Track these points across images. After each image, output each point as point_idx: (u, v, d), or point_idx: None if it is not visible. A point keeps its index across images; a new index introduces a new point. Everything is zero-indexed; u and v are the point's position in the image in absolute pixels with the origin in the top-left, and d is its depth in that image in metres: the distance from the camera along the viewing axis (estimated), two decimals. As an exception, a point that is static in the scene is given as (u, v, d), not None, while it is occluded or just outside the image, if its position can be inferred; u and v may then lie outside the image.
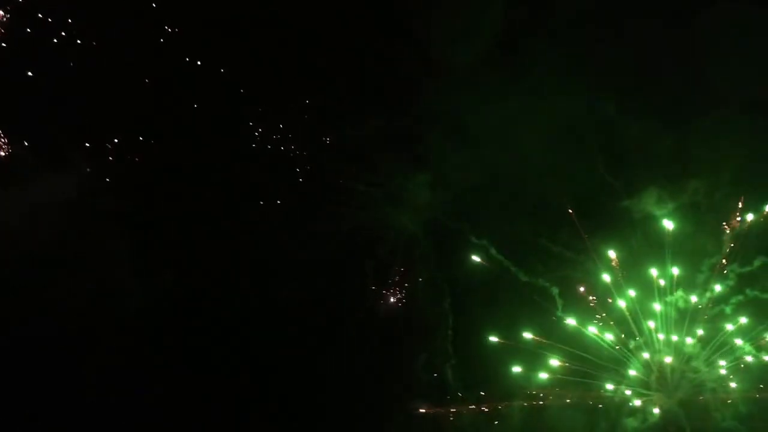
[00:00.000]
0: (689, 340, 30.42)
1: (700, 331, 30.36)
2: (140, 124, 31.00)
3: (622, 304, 30.56)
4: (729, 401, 29.49)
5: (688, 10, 31.25)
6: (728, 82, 29.54)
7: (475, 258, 31.11)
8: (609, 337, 30.77)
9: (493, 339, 30.59)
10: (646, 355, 30.80)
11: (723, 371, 29.99)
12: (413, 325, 31.87)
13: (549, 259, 31.22)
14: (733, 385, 29.82)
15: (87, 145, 30.86)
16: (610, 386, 30.57)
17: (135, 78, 30.67)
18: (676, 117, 30.95)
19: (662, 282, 30.31)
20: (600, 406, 30.49)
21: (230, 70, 31.33)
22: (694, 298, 30.25)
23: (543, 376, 30.41)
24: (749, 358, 29.72)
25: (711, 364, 30.17)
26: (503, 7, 30.60)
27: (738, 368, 29.84)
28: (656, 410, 30.09)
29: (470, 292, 31.62)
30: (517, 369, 30.36)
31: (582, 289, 30.93)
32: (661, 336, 30.64)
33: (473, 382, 31.54)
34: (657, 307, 30.48)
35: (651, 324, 30.62)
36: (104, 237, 30.30)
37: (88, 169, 30.93)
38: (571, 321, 30.44)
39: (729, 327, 29.96)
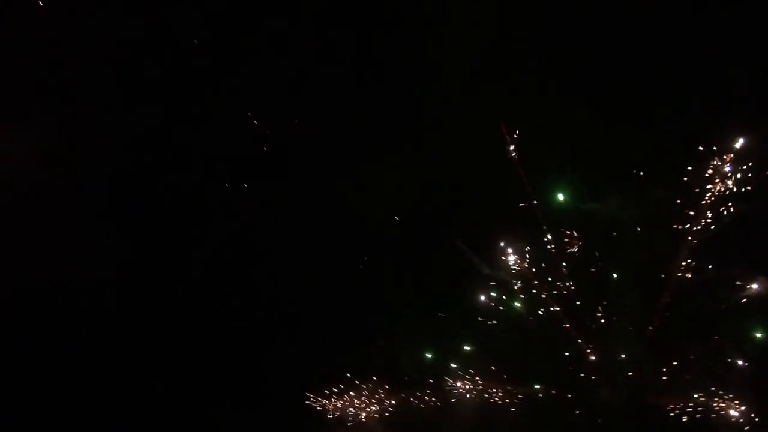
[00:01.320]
0: (638, 344, 31.41)
1: (649, 335, 31.30)
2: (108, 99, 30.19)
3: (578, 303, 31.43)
4: (674, 407, 30.55)
5: (661, 13, 31.27)
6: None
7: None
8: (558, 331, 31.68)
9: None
10: (593, 353, 31.78)
11: (669, 377, 30.99)
12: (377, 314, 32.24)
13: (513, 254, 31.58)
14: (678, 391, 30.85)
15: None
16: (557, 383, 31.56)
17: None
18: (648, 123, 31.37)
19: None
20: (556, 408, 31.36)
21: (202, 51, 30.48)
22: (646, 304, 31.19)
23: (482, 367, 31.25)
24: (697, 365, 30.82)
25: (658, 369, 31.15)
26: (479, 6, 30.26)
27: (684, 375, 30.83)
28: (600, 411, 31.19)
29: (433, 284, 32.10)
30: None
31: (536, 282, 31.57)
32: (610, 337, 31.58)
33: (427, 371, 32.24)
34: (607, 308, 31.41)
35: (602, 324, 31.56)
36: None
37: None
38: (493, 294, 31.19)
39: (678, 334, 31.00)
